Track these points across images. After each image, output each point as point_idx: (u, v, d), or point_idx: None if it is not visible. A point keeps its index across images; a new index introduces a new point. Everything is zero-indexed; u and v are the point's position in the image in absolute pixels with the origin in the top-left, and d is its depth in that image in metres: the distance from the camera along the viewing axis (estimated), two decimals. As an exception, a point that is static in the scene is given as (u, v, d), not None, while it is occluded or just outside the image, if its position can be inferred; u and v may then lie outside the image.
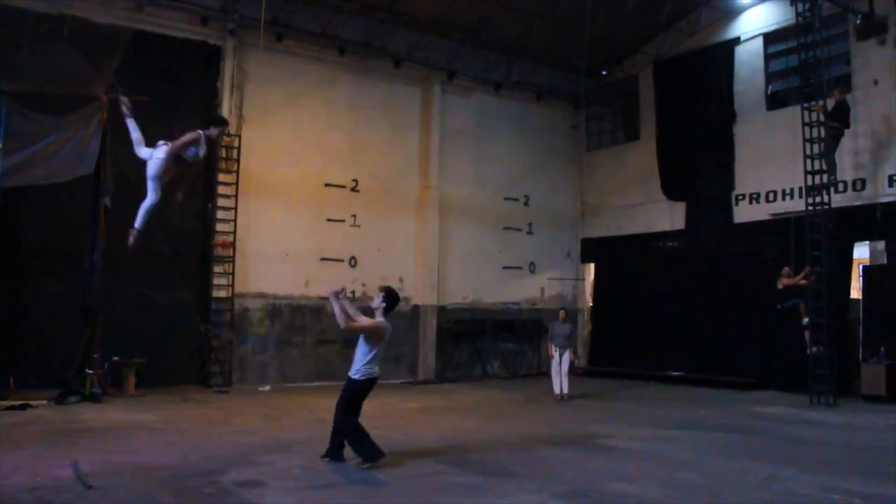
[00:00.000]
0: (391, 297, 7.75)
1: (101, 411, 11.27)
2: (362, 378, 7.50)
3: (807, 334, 13.97)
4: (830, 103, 14.09)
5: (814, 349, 13.69)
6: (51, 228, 13.52)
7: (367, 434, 7.54)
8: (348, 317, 7.46)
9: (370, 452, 7.45)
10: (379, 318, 7.62)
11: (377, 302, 7.72)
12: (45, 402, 11.73)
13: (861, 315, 14.72)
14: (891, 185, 14.83)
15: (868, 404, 13.43)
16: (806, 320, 13.92)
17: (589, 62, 18.86)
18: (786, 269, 14.29)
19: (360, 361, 7.49)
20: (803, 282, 13.86)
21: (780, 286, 14.19)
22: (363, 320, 7.57)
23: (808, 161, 13.98)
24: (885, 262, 14.92)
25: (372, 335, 7.49)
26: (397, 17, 17.14)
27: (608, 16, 17.19)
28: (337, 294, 7.40)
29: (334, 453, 7.64)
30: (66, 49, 12.64)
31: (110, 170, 12.91)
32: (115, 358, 13.19)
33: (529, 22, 18.15)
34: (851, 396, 13.95)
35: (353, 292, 17.05)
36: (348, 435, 7.54)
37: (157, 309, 14.36)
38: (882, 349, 13.83)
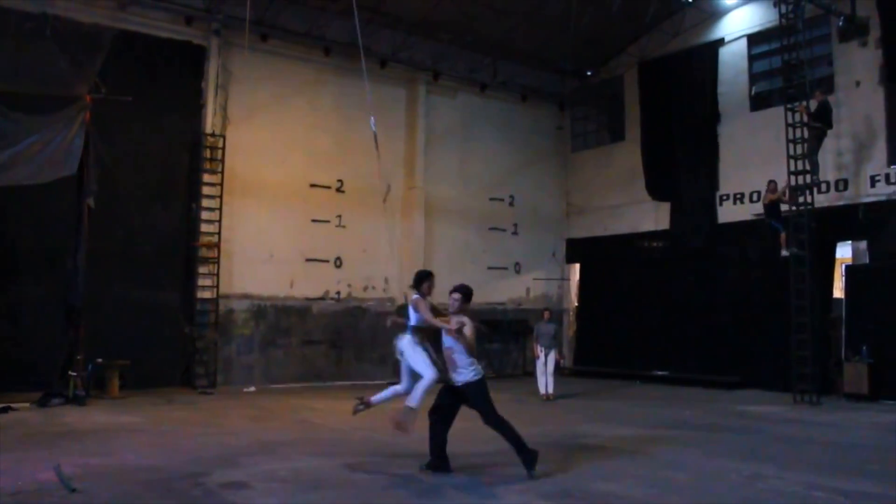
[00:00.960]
0: (467, 295, 7.75)
1: (84, 413, 11.17)
2: (482, 376, 7.43)
3: (782, 237, 14.00)
4: (813, 104, 14.20)
5: (786, 253, 13.82)
6: (33, 229, 13.42)
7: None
8: (464, 335, 7.42)
9: (530, 457, 7.22)
10: (463, 318, 7.57)
11: (456, 305, 7.70)
12: (27, 404, 11.62)
13: (844, 314, 14.85)
14: (873, 186, 14.99)
15: (850, 403, 13.57)
16: (785, 252, 13.94)
17: (574, 63, 19.00)
18: (772, 184, 14.25)
19: (469, 362, 7.41)
20: (784, 198, 13.99)
21: (765, 202, 14.24)
22: (466, 331, 7.48)
23: (792, 161, 14.09)
24: (868, 261, 15.08)
25: (473, 339, 7.54)
26: (383, 18, 17.10)
27: (593, 17, 17.26)
28: (459, 331, 7.35)
29: (528, 463, 7.25)
30: (49, 48, 12.52)
31: (94, 170, 12.80)
32: (99, 360, 13.06)
33: (515, 23, 18.17)
34: (834, 395, 14.11)
35: (338, 293, 17.08)
36: (509, 434, 7.35)
37: (141, 310, 14.26)
38: (864, 348, 13.97)
